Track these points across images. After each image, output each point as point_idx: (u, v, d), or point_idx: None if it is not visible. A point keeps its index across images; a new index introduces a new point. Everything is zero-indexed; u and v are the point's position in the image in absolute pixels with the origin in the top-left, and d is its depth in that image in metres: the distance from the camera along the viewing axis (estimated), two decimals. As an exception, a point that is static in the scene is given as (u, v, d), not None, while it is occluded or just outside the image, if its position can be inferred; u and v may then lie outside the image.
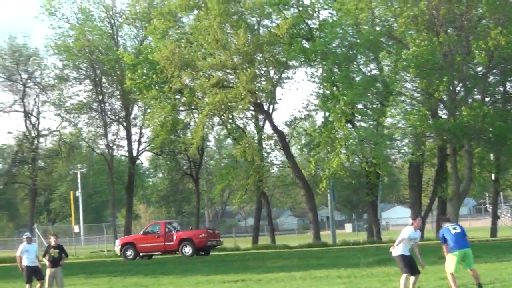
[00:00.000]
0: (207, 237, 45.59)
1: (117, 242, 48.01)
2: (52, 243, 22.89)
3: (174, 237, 45.56)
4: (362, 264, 28.14)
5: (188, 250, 44.85)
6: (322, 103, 49.53)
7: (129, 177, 63.54)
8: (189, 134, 57.58)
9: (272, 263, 34.40)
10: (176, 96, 54.11)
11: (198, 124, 52.42)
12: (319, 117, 72.79)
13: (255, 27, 53.05)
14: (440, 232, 18.84)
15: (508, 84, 49.95)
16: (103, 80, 60.64)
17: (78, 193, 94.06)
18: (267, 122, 55.37)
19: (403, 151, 50.84)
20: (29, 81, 60.88)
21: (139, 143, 61.98)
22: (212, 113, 52.31)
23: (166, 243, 45.63)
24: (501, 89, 50.04)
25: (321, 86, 50.32)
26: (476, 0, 44.53)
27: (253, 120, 56.54)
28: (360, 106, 49.43)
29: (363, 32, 47.01)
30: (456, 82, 44.89)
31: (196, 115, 56.13)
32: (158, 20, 53.24)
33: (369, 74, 49.29)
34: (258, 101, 52.79)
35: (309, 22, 53.13)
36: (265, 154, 55.41)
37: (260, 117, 55.90)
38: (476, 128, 43.18)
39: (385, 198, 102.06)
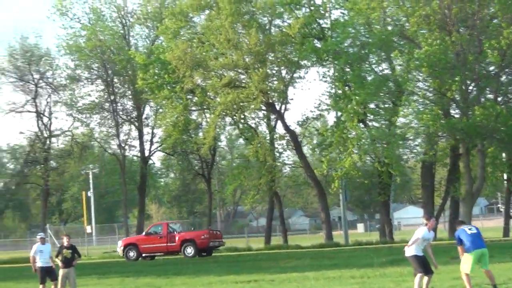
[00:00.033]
0: (209, 238, 45.44)
1: (120, 243, 47.94)
2: (65, 244, 22.91)
3: (177, 238, 45.46)
4: (375, 264, 28.06)
5: (190, 251, 44.75)
6: (334, 102, 49.31)
7: (141, 177, 63.62)
8: (201, 134, 57.51)
9: (285, 263, 34.28)
10: (188, 96, 54.04)
11: (210, 124, 52.34)
12: (331, 117, 72.83)
13: (267, 27, 52.84)
14: (456, 234, 18.74)
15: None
16: (115, 80, 60.69)
17: (90, 193, 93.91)
18: (279, 122, 55.21)
19: (415, 150, 50.56)
20: (41, 81, 61.16)
21: (151, 143, 62.07)
22: (224, 113, 52.19)
23: (168, 244, 45.55)
24: (514, 88, 49.78)
25: (333, 86, 50.07)
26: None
27: (265, 120, 56.33)
28: (372, 105, 49.16)
29: (375, 31, 46.83)
30: (468, 82, 44.66)
31: (208, 115, 56.02)
32: (170, 20, 53.14)
33: (381, 73, 49.06)
34: (270, 101, 52.65)
35: (321, 21, 52.91)
36: (277, 154, 55.17)
37: (272, 117, 55.71)
38: (488, 128, 42.92)
39: (397, 198, 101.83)
